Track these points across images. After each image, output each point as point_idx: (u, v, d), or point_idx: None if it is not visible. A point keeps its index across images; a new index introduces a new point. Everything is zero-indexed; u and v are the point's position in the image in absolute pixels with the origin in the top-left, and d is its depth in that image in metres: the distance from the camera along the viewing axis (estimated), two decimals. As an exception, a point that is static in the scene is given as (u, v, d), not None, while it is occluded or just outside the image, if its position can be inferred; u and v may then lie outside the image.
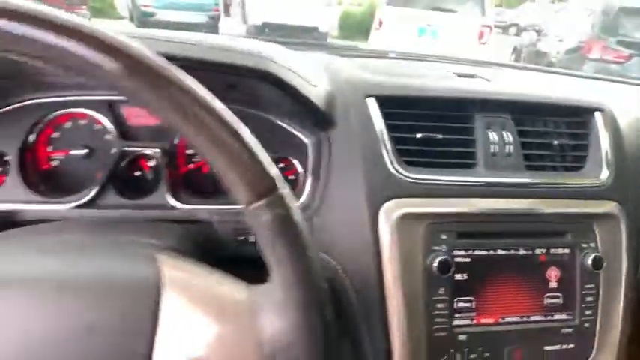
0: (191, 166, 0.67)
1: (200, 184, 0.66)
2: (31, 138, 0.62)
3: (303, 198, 0.62)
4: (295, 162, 0.67)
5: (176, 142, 0.65)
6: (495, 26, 6.57)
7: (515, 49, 7.39)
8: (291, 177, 0.69)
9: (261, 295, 0.30)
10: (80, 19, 0.25)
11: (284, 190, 0.29)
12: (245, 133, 0.29)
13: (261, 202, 0.28)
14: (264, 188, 0.28)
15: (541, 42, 6.55)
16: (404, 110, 0.59)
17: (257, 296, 0.30)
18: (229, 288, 0.32)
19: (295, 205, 0.29)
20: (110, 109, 0.64)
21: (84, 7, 6.57)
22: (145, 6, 7.06)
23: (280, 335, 0.29)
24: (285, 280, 0.28)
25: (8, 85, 0.58)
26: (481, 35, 5.52)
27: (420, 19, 5.50)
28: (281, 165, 0.68)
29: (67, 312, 0.28)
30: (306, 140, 0.66)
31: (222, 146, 0.28)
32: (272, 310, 0.29)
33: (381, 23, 5.70)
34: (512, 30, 11.68)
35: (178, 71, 0.27)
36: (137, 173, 0.66)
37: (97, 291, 0.29)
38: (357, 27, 8.47)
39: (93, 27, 0.25)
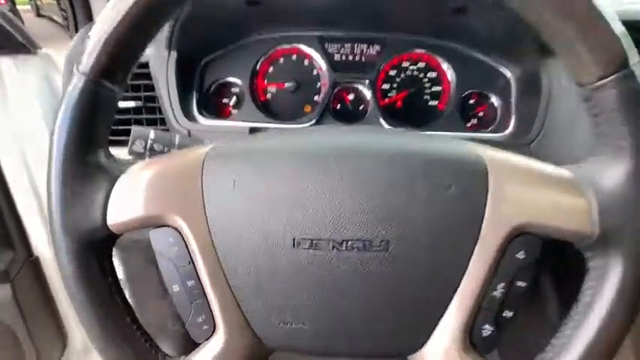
0: (387, 100, 0.72)
1: (395, 116, 0.71)
2: (255, 71, 0.72)
3: (511, 128, 0.64)
4: (492, 96, 0.69)
5: (376, 75, 0.70)
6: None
7: None
8: (480, 113, 0.71)
9: (589, 170, 0.32)
10: None
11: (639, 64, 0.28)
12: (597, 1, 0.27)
13: (612, 77, 0.28)
14: (618, 63, 0.27)
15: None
16: None
17: (582, 172, 0.32)
18: (543, 165, 0.32)
19: None
20: (320, 43, 0.70)
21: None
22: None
23: (614, 202, 0.29)
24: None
25: (239, 21, 0.66)
26: None
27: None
28: (471, 101, 0.70)
29: (413, 175, 0.32)
30: (508, 74, 0.67)
31: (572, 16, 0.27)
32: (607, 180, 0.29)
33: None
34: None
35: None
36: (338, 106, 0.72)
37: (440, 161, 0.32)
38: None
39: None
